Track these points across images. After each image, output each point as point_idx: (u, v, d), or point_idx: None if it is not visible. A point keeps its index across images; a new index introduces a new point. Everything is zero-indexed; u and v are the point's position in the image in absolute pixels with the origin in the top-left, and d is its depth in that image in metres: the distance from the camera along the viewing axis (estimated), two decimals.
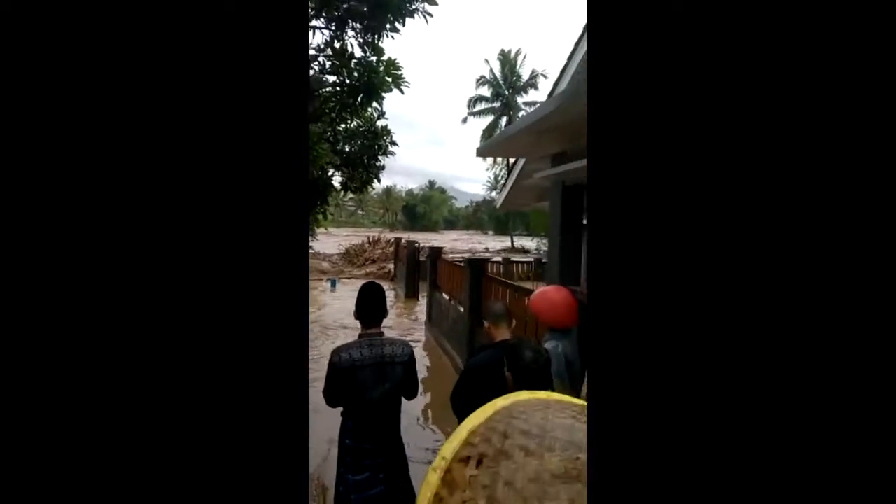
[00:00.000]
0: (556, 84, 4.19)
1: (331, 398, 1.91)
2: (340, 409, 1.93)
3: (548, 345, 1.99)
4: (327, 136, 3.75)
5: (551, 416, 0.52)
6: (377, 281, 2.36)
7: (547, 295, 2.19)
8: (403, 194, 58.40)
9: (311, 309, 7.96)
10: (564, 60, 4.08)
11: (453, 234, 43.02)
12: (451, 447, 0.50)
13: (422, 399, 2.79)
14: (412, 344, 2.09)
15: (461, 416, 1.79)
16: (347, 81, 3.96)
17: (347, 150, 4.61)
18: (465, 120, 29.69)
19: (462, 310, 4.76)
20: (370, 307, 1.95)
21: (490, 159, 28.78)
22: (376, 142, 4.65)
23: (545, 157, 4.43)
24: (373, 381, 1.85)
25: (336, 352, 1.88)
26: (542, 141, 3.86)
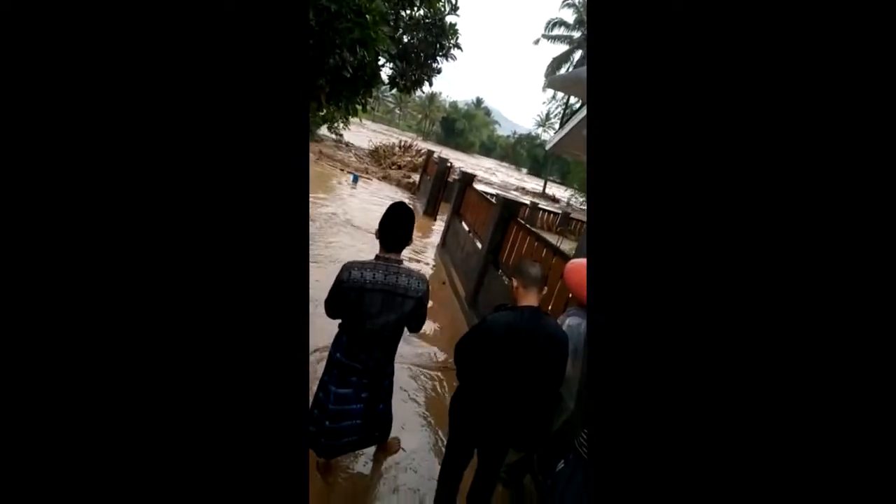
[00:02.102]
0: None
1: (331, 310, 1.80)
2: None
3: (570, 320, 1.82)
4: (389, 20, 3.25)
5: None
6: (401, 192, 2.14)
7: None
8: (447, 105, 55.24)
9: (332, 202, 7.90)
10: None
11: (487, 162, 41.50)
12: None
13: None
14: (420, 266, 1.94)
15: (463, 370, 1.68)
16: None
17: (406, 40, 4.09)
18: (537, 41, 26.95)
19: (479, 246, 4.59)
20: (396, 232, 1.73)
21: (549, 93, 26.69)
22: (440, 40, 4.11)
23: None
24: (378, 309, 1.71)
25: (347, 268, 1.71)
26: None
